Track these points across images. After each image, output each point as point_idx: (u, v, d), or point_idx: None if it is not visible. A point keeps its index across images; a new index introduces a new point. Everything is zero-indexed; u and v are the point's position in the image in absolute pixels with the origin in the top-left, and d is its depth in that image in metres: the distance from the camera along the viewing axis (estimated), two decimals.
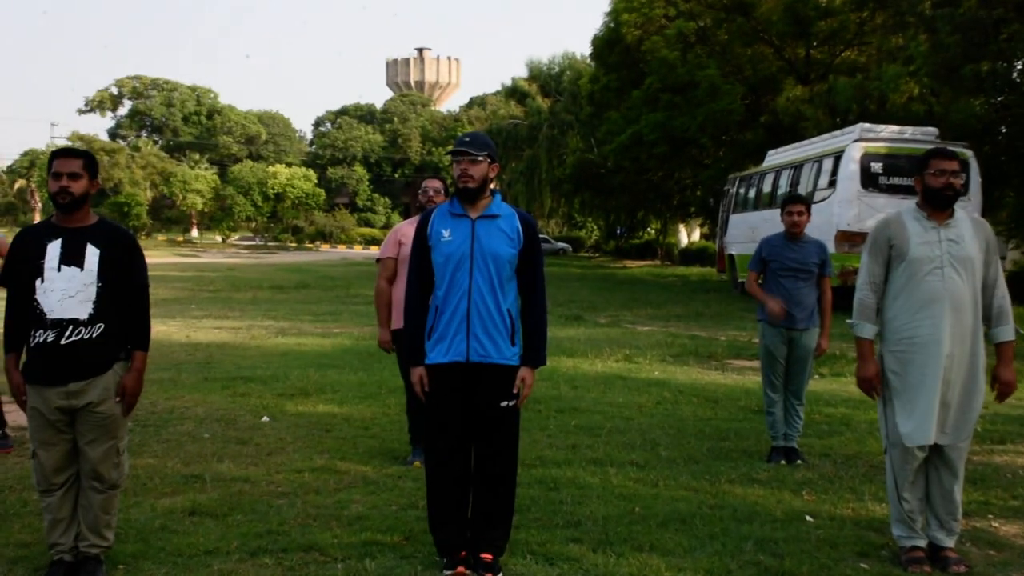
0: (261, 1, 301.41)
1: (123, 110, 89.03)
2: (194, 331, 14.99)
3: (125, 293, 4.37)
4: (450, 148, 4.56)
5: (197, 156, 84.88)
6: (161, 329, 14.32)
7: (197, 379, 10.05)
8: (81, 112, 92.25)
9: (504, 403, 4.44)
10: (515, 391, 4.47)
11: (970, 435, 4.69)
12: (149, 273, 4.58)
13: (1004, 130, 20.38)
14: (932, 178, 4.64)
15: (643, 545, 4.84)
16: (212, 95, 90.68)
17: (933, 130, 18.72)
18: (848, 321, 4.88)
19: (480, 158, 4.41)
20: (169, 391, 9.25)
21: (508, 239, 4.44)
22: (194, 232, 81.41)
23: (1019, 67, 19.39)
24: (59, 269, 4.22)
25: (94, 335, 4.25)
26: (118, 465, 4.41)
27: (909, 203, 4.85)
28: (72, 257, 4.24)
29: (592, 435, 7.50)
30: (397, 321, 6.21)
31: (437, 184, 6.54)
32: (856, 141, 17.99)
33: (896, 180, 17.48)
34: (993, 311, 4.67)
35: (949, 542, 4.68)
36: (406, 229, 6.42)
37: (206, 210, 77.31)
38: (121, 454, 4.43)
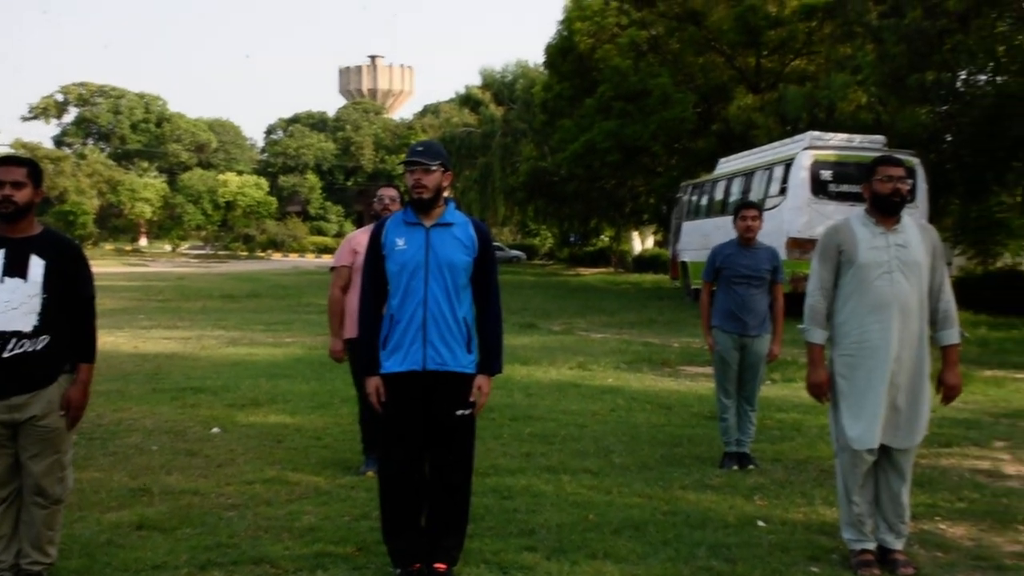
0: (213, 8, 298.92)
1: (69, 117, 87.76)
2: (142, 341, 14.76)
3: (71, 304, 4.29)
4: (403, 157, 4.54)
5: (146, 164, 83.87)
6: (108, 340, 14.07)
7: (145, 390, 9.91)
8: (25, 119, 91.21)
9: (460, 411, 4.43)
10: (471, 399, 4.45)
11: (919, 439, 4.74)
12: (96, 283, 4.49)
13: (949, 138, 20.72)
14: (880, 184, 4.70)
15: (597, 552, 4.85)
16: (161, 102, 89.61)
17: (881, 138, 19.00)
18: (799, 327, 4.92)
19: (433, 167, 4.40)
20: (116, 403, 9.10)
21: (463, 247, 4.44)
22: (142, 241, 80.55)
23: (963, 77, 19.76)
24: (2, 280, 4.13)
25: (38, 347, 4.17)
26: (62, 480, 4.32)
27: (858, 210, 4.91)
28: (15, 268, 4.16)
29: (546, 443, 7.49)
30: (351, 330, 6.17)
31: (393, 192, 6.51)
32: (806, 149, 18.20)
33: (845, 187, 17.70)
34: (939, 315, 4.73)
35: (898, 545, 4.73)
36: (360, 238, 6.38)
37: (155, 219, 76.45)
38: (65, 468, 4.34)
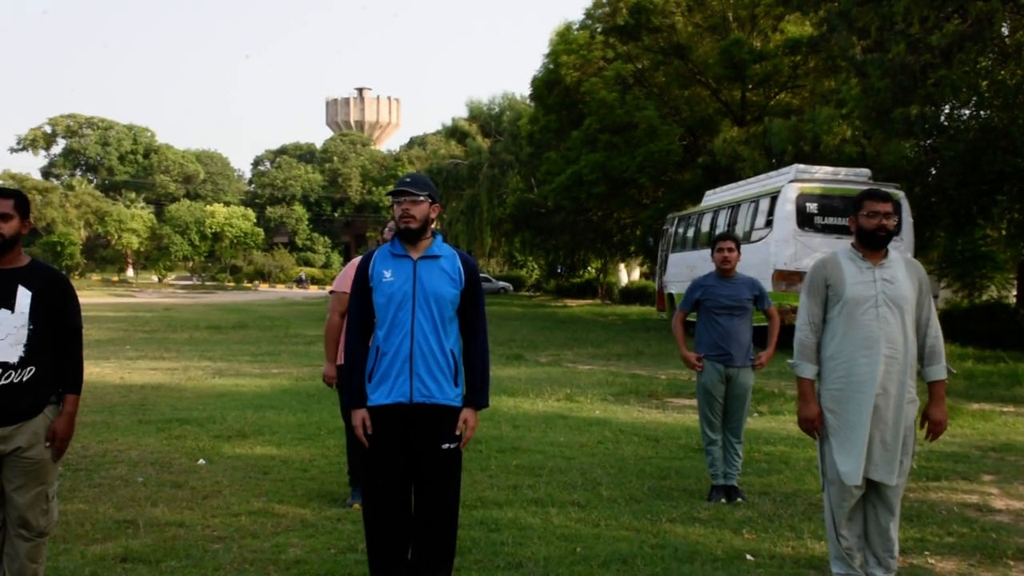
0: (201, 39, 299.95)
1: (57, 149, 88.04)
2: (128, 372, 14.70)
3: (58, 335, 4.26)
4: (390, 188, 4.54)
5: (133, 195, 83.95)
6: (94, 371, 14.03)
7: (131, 421, 9.85)
8: (13, 150, 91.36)
9: (446, 445, 4.40)
10: (457, 432, 4.43)
11: (906, 473, 4.74)
12: (83, 314, 4.48)
13: (934, 172, 20.90)
14: (865, 219, 4.71)
15: None
16: (149, 134, 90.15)
17: (866, 171, 19.15)
18: (789, 361, 4.92)
19: (421, 198, 4.40)
20: (102, 434, 9.05)
21: (450, 279, 4.43)
22: (129, 272, 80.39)
23: (946, 111, 19.95)
24: None
25: (24, 378, 4.14)
26: (47, 512, 4.27)
27: (844, 243, 4.92)
28: (2, 299, 4.13)
29: (533, 475, 7.47)
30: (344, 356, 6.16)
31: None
32: (792, 182, 18.32)
33: (831, 220, 17.84)
34: (926, 350, 4.73)
35: None
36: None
37: (142, 250, 76.49)
38: (50, 500, 4.30)
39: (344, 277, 6.52)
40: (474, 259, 4.78)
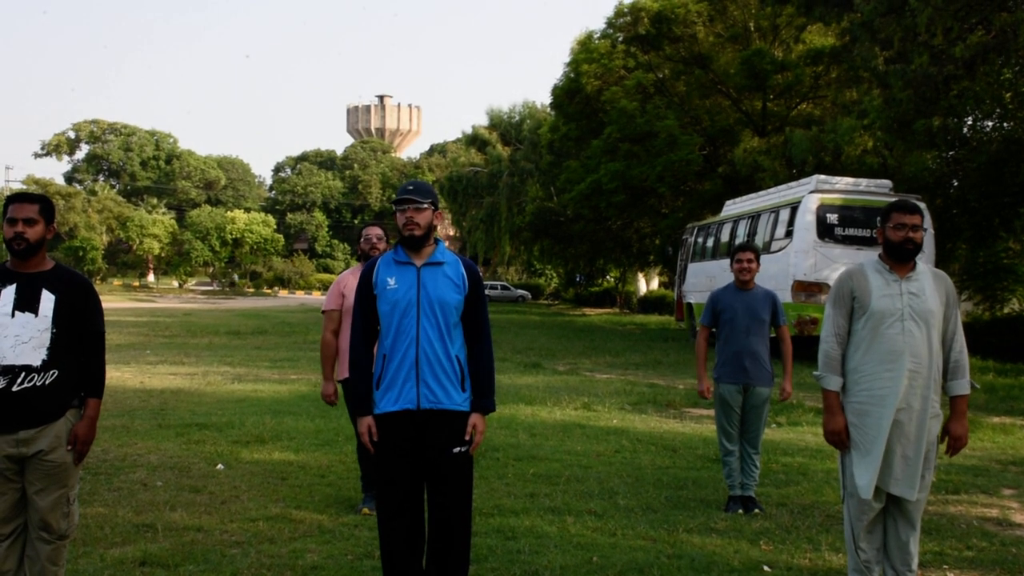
0: (222, 46, 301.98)
1: (80, 154, 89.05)
2: (148, 377, 14.82)
3: (80, 339, 4.30)
4: (392, 197, 4.56)
5: (155, 201, 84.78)
6: (115, 375, 14.12)
7: (151, 426, 9.92)
8: (37, 156, 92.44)
9: (456, 449, 4.41)
10: (467, 437, 4.44)
11: (928, 488, 4.71)
12: (104, 318, 4.52)
13: (956, 183, 20.80)
14: (892, 232, 4.66)
15: None
16: (171, 140, 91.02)
17: (887, 182, 19.06)
18: (814, 374, 4.88)
19: (425, 205, 4.42)
20: (122, 438, 9.12)
21: (454, 285, 4.45)
22: (150, 277, 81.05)
23: (969, 123, 19.86)
24: (12, 315, 4.15)
25: (47, 382, 4.18)
26: (68, 515, 4.31)
27: (865, 254, 4.91)
28: (26, 303, 4.18)
29: (550, 483, 7.48)
30: (343, 371, 6.18)
31: (379, 231, 6.56)
32: (812, 192, 18.26)
33: (851, 231, 17.76)
34: (950, 364, 4.69)
35: None
36: (348, 280, 6.40)
37: (163, 255, 77.16)
38: (71, 503, 4.33)
39: (331, 295, 6.55)
40: (476, 265, 4.79)
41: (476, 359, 4.52)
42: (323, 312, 6.64)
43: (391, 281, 4.43)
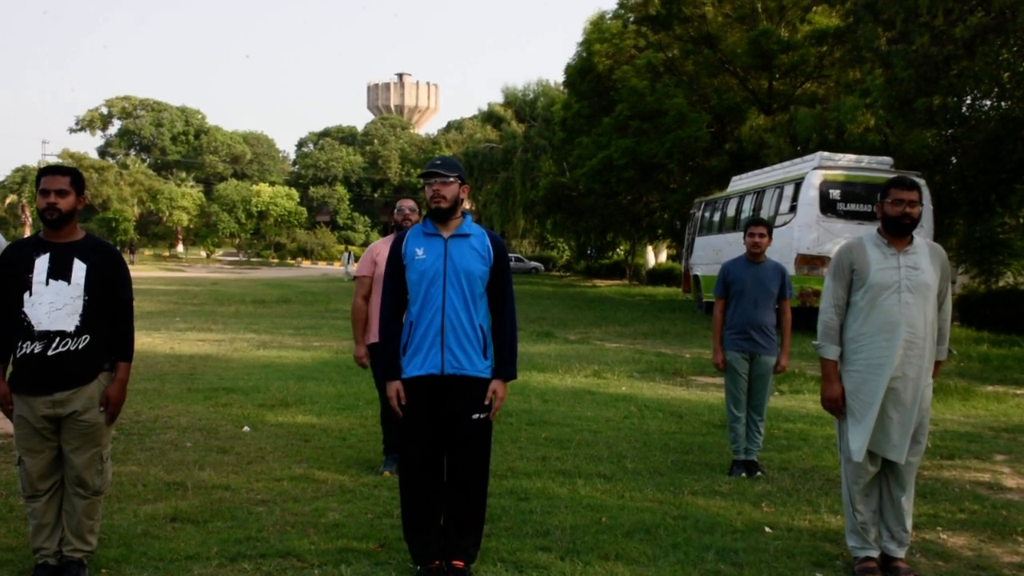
0: (249, 24, 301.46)
1: (113, 129, 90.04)
2: (178, 343, 15.07)
3: (110, 306, 4.46)
4: (421, 171, 4.71)
5: (184, 174, 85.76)
6: (146, 341, 14.43)
7: (180, 389, 10.15)
8: (72, 131, 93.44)
9: (476, 415, 4.56)
10: (487, 403, 4.59)
11: (921, 453, 4.88)
12: (135, 287, 4.68)
13: (954, 160, 20.88)
14: (890, 207, 4.79)
15: (609, 554, 4.97)
16: (200, 116, 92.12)
17: (888, 159, 19.18)
18: (813, 343, 5.02)
19: (451, 179, 4.56)
20: (153, 401, 9.35)
21: (479, 257, 4.59)
22: (179, 247, 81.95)
23: (968, 101, 19.90)
24: (47, 283, 4.30)
25: (80, 346, 4.34)
26: (101, 472, 4.49)
27: (866, 228, 5.05)
28: (59, 271, 4.33)
29: (561, 448, 7.64)
30: (373, 336, 6.37)
31: (412, 203, 6.73)
32: (816, 169, 18.38)
33: (853, 206, 17.92)
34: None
35: (900, 553, 4.83)
36: (380, 248, 6.58)
37: (191, 226, 78.28)
38: (105, 461, 4.51)
39: (364, 262, 6.73)
40: (502, 238, 4.94)
41: (499, 328, 4.65)
42: (354, 278, 6.81)
43: (419, 252, 4.58)
